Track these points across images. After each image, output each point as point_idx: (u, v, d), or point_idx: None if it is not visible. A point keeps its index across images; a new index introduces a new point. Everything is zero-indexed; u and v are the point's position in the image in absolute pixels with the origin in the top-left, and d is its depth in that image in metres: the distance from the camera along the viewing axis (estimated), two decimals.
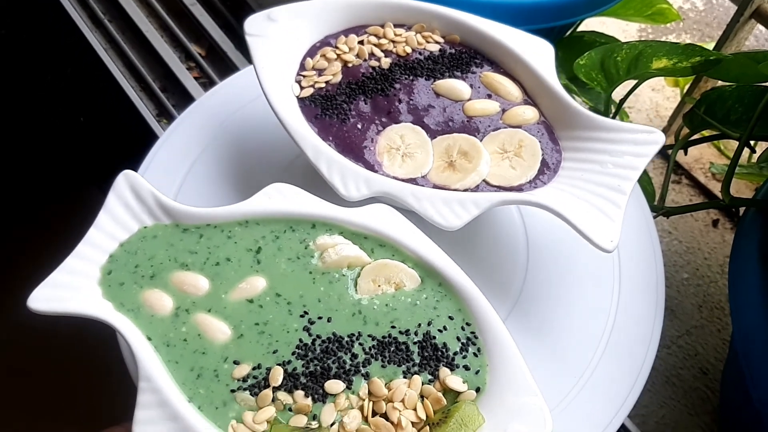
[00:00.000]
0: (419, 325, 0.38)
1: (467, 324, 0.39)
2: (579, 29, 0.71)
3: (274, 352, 0.37)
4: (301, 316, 0.38)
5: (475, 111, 0.46)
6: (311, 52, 0.48)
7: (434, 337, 0.38)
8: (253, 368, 0.37)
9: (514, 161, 0.44)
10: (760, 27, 0.65)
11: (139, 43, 0.70)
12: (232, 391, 0.36)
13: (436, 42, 0.49)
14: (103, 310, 0.38)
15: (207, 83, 0.67)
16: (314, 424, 0.35)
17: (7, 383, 0.73)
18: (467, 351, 0.38)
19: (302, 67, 0.48)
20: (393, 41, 0.49)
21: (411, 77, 0.47)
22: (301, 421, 0.35)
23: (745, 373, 0.43)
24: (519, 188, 0.44)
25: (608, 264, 0.49)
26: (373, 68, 0.48)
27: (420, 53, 0.49)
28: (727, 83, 0.57)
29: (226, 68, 0.69)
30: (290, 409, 0.36)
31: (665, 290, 0.49)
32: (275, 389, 0.36)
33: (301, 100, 0.46)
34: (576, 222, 0.41)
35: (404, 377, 0.37)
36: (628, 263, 0.50)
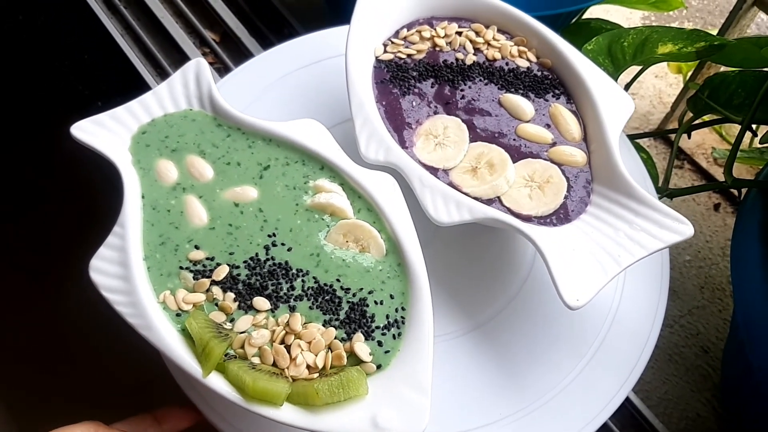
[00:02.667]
0: (361, 289, 0.40)
1: (403, 308, 0.40)
2: (584, 17, 0.71)
3: (231, 254, 0.41)
4: (269, 235, 0.41)
5: (526, 134, 0.46)
6: (411, 25, 0.51)
7: (368, 305, 0.40)
8: (207, 258, 0.41)
9: (534, 192, 0.44)
10: (762, 15, 0.67)
11: (155, 28, 0.74)
12: (180, 267, 0.40)
13: (528, 60, 0.50)
14: (122, 158, 0.43)
15: (222, 69, 0.70)
16: (228, 326, 0.39)
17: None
18: (389, 330, 0.39)
19: (396, 34, 0.50)
20: (488, 43, 0.50)
21: (485, 81, 0.48)
22: (219, 318, 0.39)
23: (745, 345, 0.46)
24: (527, 218, 0.44)
25: None
26: (457, 60, 0.49)
27: (507, 63, 0.49)
28: (730, 68, 0.59)
29: (240, 54, 0.72)
30: (216, 305, 0.39)
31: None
32: (214, 282, 0.40)
33: (378, 61, 0.49)
34: (554, 268, 0.40)
35: (323, 325, 0.39)
36: None
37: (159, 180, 0.43)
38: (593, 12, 0.74)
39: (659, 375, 0.61)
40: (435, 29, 0.50)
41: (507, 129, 0.47)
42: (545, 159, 0.46)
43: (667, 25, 0.91)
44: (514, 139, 0.46)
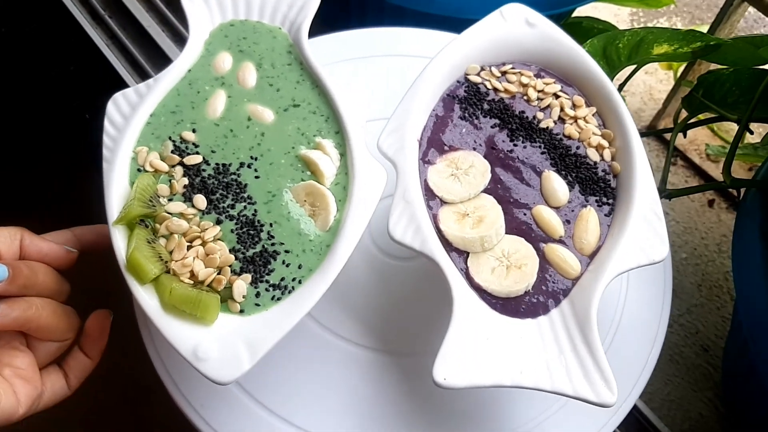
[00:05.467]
0: (282, 244, 0.41)
1: (299, 282, 0.40)
2: (574, 14, 0.73)
3: (213, 152, 0.44)
4: (252, 157, 0.44)
5: (540, 216, 0.43)
6: (519, 66, 0.49)
7: (275, 259, 0.41)
8: (194, 143, 0.44)
9: (498, 270, 0.41)
10: (750, 9, 0.67)
11: (141, 38, 0.72)
12: (169, 137, 0.44)
13: (601, 156, 0.46)
14: (200, 33, 0.48)
15: None
16: (163, 201, 0.42)
17: None
18: (274, 290, 0.40)
19: (501, 64, 0.49)
20: (576, 119, 0.47)
21: (543, 149, 0.46)
22: (163, 191, 0.42)
23: (748, 345, 0.48)
24: (476, 287, 0.41)
25: None
26: (534, 117, 0.47)
27: (578, 147, 0.46)
28: (723, 66, 0.59)
29: None
30: (170, 181, 0.43)
31: None
32: (182, 164, 0.43)
33: (465, 78, 0.48)
34: (449, 339, 0.38)
35: (229, 251, 0.41)
36: None
37: (211, 66, 0.47)
38: (581, 9, 0.73)
39: (661, 376, 0.62)
40: (537, 80, 0.48)
41: (526, 201, 0.44)
42: (538, 248, 0.42)
43: (656, 20, 0.93)
44: (524, 214, 0.44)
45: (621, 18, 0.93)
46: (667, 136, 0.68)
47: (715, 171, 0.76)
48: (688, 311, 0.67)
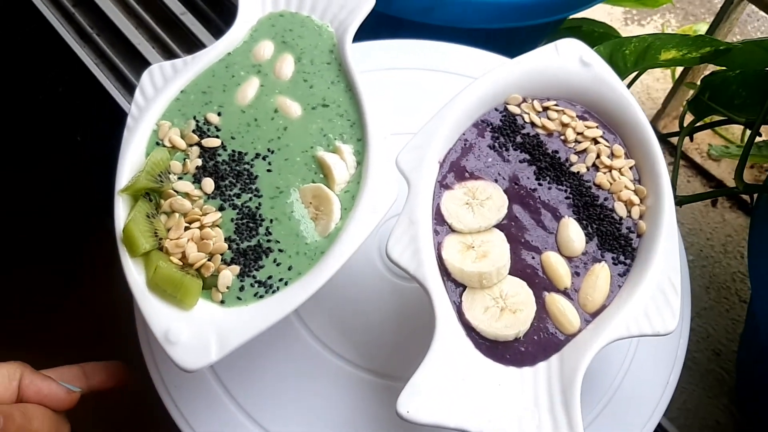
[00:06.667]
0: (278, 242, 0.41)
1: (285, 284, 0.40)
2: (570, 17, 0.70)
3: (233, 138, 0.44)
4: (269, 149, 0.43)
5: (549, 263, 0.41)
6: (563, 104, 0.47)
7: (267, 256, 0.40)
8: (216, 126, 0.44)
9: (491, 310, 0.40)
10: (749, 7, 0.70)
11: (131, 55, 0.68)
12: (194, 117, 0.44)
13: (629, 213, 0.43)
14: (248, 18, 0.48)
15: None
16: (173, 178, 0.42)
17: None
18: (259, 288, 0.39)
19: (545, 99, 0.47)
20: (611, 168, 0.44)
21: (568, 194, 0.43)
22: (175, 168, 0.42)
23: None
24: (466, 323, 0.40)
25: None
26: (567, 159, 0.45)
27: (606, 198, 0.43)
28: (724, 67, 0.59)
29: None
30: (183, 159, 0.43)
31: None
32: (199, 144, 0.43)
33: (504, 106, 0.46)
34: (422, 371, 0.37)
35: (225, 240, 0.40)
36: None
37: (251, 53, 0.47)
38: None
39: (676, 384, 0.59)
40: (579, 122, 0.46)
41: (538, 244, 0.42)
42: (539, 296, 0.40)
43: (648, 17, 0.93)
44: (533, 257, 0.41)
45: (614, 16, 0.94)
46: (673, 140, 0.69)
47: (717, 170, 0.76)
48: (698, 315, 0.67)
